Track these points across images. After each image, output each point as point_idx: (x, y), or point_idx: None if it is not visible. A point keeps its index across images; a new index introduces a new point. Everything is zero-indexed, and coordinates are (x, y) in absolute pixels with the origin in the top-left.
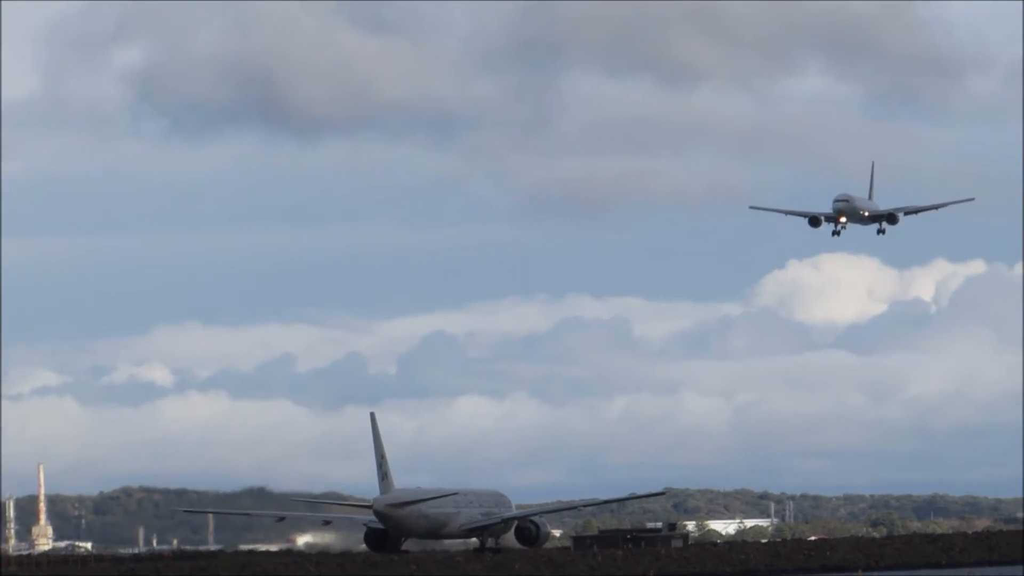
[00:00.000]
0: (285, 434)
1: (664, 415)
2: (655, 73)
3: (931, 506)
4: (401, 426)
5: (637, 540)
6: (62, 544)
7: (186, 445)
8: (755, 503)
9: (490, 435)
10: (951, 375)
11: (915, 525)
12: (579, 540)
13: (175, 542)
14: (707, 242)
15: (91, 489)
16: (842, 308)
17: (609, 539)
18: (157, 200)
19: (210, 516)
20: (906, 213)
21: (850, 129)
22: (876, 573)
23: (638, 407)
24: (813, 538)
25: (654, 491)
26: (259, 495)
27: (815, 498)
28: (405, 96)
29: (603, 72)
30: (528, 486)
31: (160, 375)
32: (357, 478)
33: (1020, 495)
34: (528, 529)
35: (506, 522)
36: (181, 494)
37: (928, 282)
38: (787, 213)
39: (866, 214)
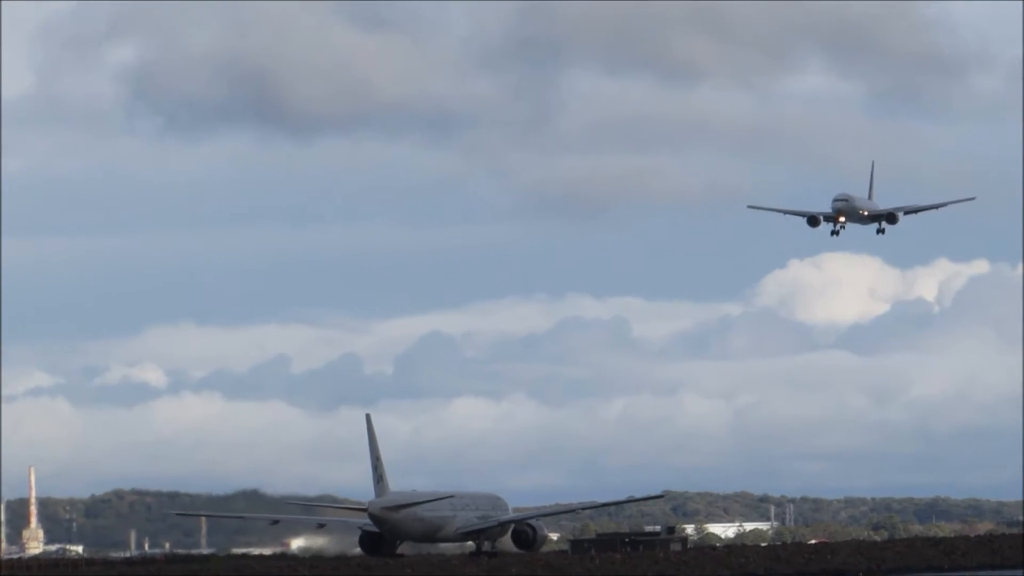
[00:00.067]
0: (279, 436)
1: (663, 416)
2: (655, 72)
3: (933, 509)
4: (397, 428)
5: (635, 544)
6: (53, 548)
7: (179, 447)
8: (755, 506)
9: (487, 437)
10: (954, 376)
11: (917, 528)
12: (577, 544)
13: (167, 545)
14: (707, 241)
15: (82, 492)
16: (844, 308)
17: (607, 543)
18: (151, 199)
19: (203, 519)
20: (906, 213)
21: (852, 128)
22: None
23: (637, 408)
24: (814, 541)
25: (653, 494)
26: (253, 498)
27: (816, 501)
28: (404, 95)
29: (603, 71)
30: (525, 489)
31: (153, 376)
32: (352, 481)
33: (1023, 498)
34: (525, 532)
35: (503, 525)
36: (174, 497)
37: (931, 282)
38: (785, 213)
39: (865, 214)
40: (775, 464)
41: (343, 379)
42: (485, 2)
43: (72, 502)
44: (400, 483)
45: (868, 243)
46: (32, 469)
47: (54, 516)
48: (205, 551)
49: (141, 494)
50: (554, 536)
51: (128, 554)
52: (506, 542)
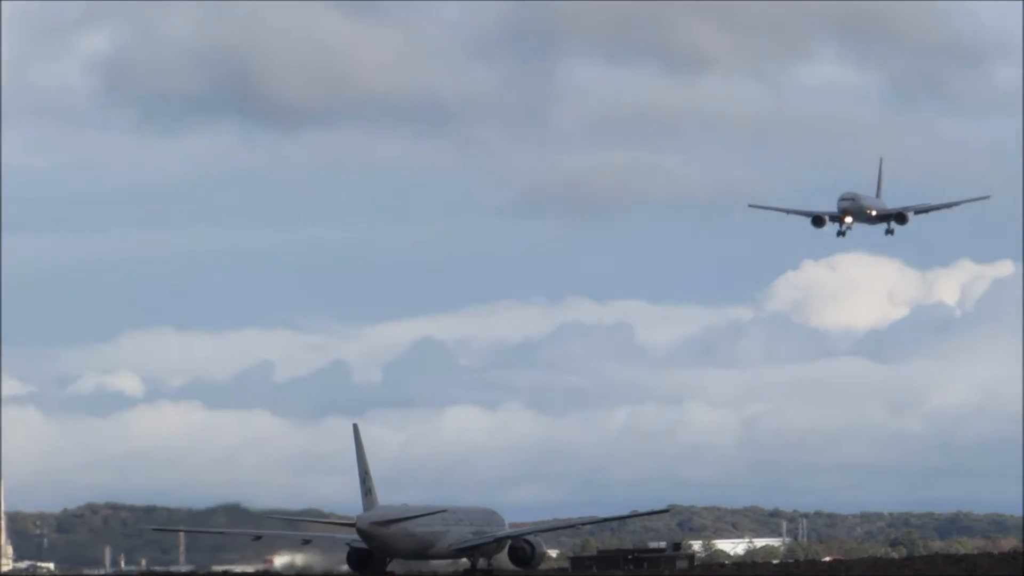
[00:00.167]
0: (262, 447)
1: (669, 427)
2: (659, 61)
3: (954, 524)
4: (387, 439)
5: (639, 561)
6: (23, 565)
7: (156, 459)
8: (765, 521)
9: (482, 448)
10: (977, 384)
11: (937, 545)
12: (577, 561)
13: (144, 562)
14: (715, 242)
15: (54, 506)
16: (860, 312)
17: (609, 560)
18: (126, 197)
19: (181, 535)
20: (916, 212)
21: (868, 121)
22: None
23: (641, 419)
24: (828, 559)
25: (657, 508)
26: (234, 512)
27: (830, 516)
28: (392, 85)
29: (603, 60)
30: (523, 503)
31: (129, 384)
32: (339, 494)
33: None
34: (522, 549)
35: (499, 541)
36: (150, 511)
37: (952, 284)
38: (789, 212)
39: (873, 213)
40: (787, 477)
41: (330, 387)
42: None
43: (43, 516)
44: (390, 497)
45: (886, 243)
46: (0, 482)
47: (24, 531)
48: (184, 568)
49: (116, 508)
50: (553, 553)
51: (102, 571)
52: (502, 559)
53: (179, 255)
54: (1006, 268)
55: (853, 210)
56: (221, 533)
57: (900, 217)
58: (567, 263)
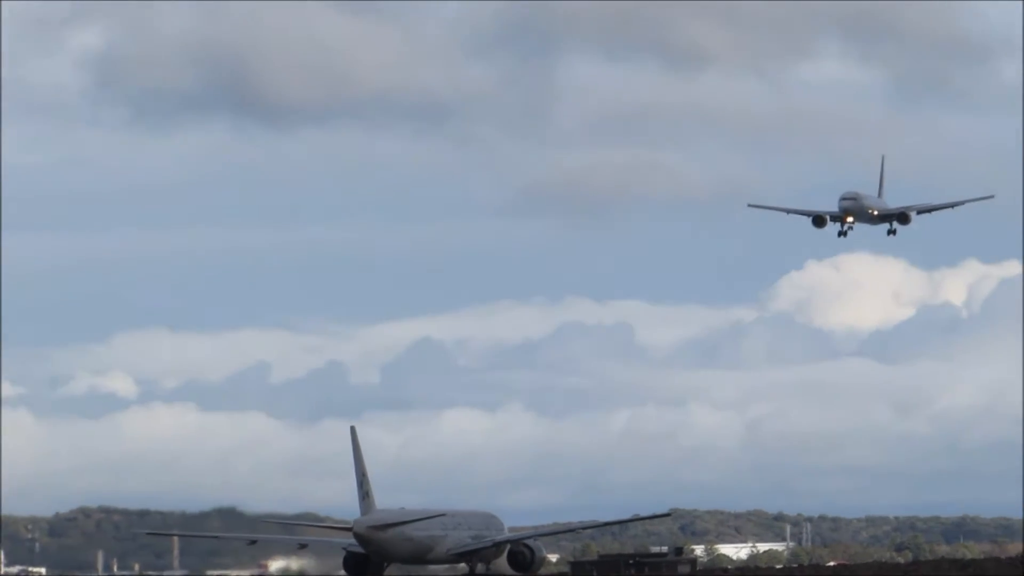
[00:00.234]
0: (258, 450)
1: (670, 429)
2: (659, 57)
3: (961, 528)
4: (384, 441)
5: (640, 565)
6: (14, 569)
7: (150, 462)
8: (769, 525)
9: (481, 451)
10: (984, 386)
11: (943, 549)
12: (577, 565)
13: (137, 567)
14: (717, 241)
15: (46, 509)
16: (865, 313)
17: (610, 564)
18: (118, 195)
19: (175, 539)
20: (919, 212)
21: (870, 118)
22: None
23: (642, 421)
24: (832, 564)
25: (659, 512)
26: (229, 516)
27: (835, 520)
28: (390, 83)
29: (603, 57)
30: (522, 506)
31: (122, 385)
32: (336, 498)
33: None
34: (522, 553)
35: (498, 546)
36: (144, 515)
37: (959, 284)
38: (789, 212)
39: (875, 213)
40: (791, 480)
41: (326, 389)
42: None
43: (35, 520)
44: (387, 500)
45: (891, 243)
46: None
47: (15, 535)
48: (178, 573)
49: (109, 512)
50: (553, 557)
51: None
52: (501, 564)
53: (174, 255)
54: (1013, 268)
55: (855, 210)
56: (216, 537)
57: (902, 217)
58: (567, 263)
